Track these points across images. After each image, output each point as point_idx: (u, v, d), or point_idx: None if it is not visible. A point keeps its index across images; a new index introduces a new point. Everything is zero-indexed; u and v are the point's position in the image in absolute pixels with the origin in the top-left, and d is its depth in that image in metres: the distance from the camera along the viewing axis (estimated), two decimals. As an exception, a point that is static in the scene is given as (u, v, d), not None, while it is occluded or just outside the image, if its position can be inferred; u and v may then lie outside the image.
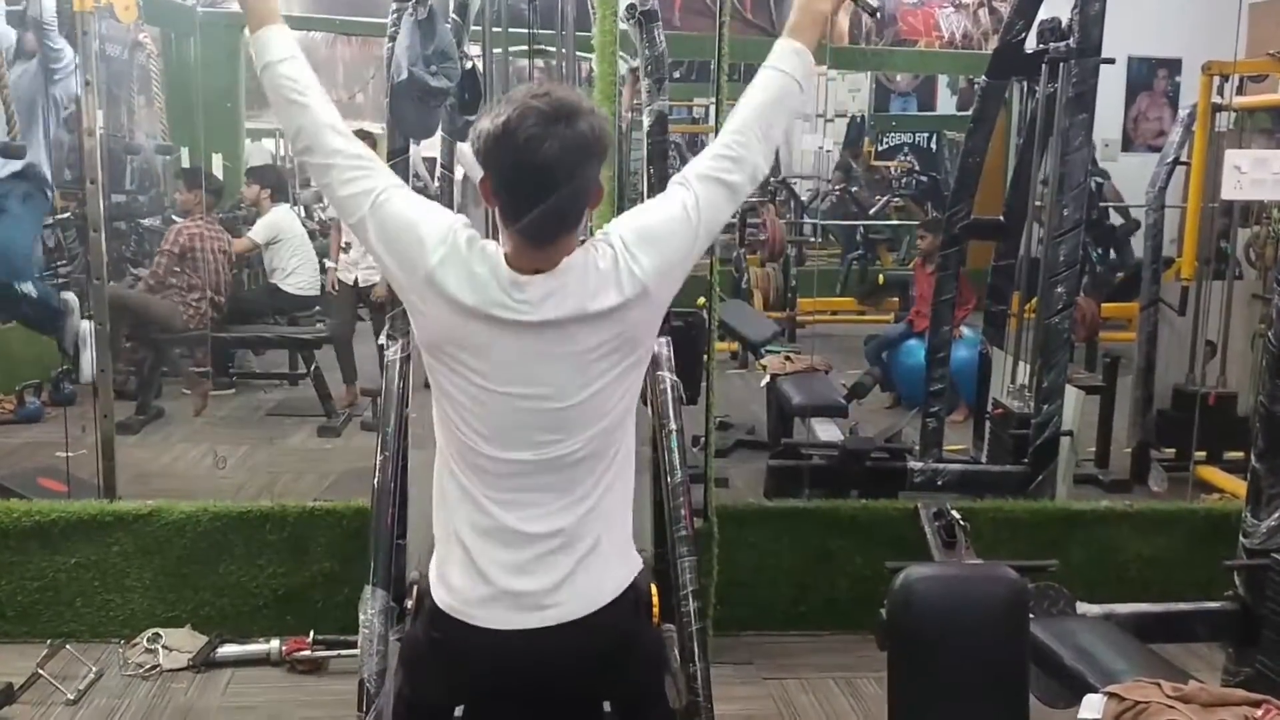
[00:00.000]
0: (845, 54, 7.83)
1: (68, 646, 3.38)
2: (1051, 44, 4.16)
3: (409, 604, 2.90)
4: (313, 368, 5.97)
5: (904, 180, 10.94)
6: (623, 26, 3.06)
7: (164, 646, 3.38)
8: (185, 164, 6.89)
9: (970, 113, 4.74)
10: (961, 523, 3.06)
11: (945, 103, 12.35)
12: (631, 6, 2.87)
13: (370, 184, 1.69)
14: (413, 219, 1.68)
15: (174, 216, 6.54)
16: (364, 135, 6.52)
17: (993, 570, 2.00)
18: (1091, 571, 3.57)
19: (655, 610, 1.98)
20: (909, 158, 11.70)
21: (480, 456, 1.71)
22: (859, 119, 11.74)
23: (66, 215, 6.25)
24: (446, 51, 2.58)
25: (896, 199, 9.91)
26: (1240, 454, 5.14)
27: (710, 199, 1.72)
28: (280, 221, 6.25)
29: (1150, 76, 10.33)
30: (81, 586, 3.48)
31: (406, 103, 2.57)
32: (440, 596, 1.78)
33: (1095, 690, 2.13)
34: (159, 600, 3.50)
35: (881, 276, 7.74)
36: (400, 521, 2.98)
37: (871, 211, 9.58)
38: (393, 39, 2.62)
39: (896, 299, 7.54)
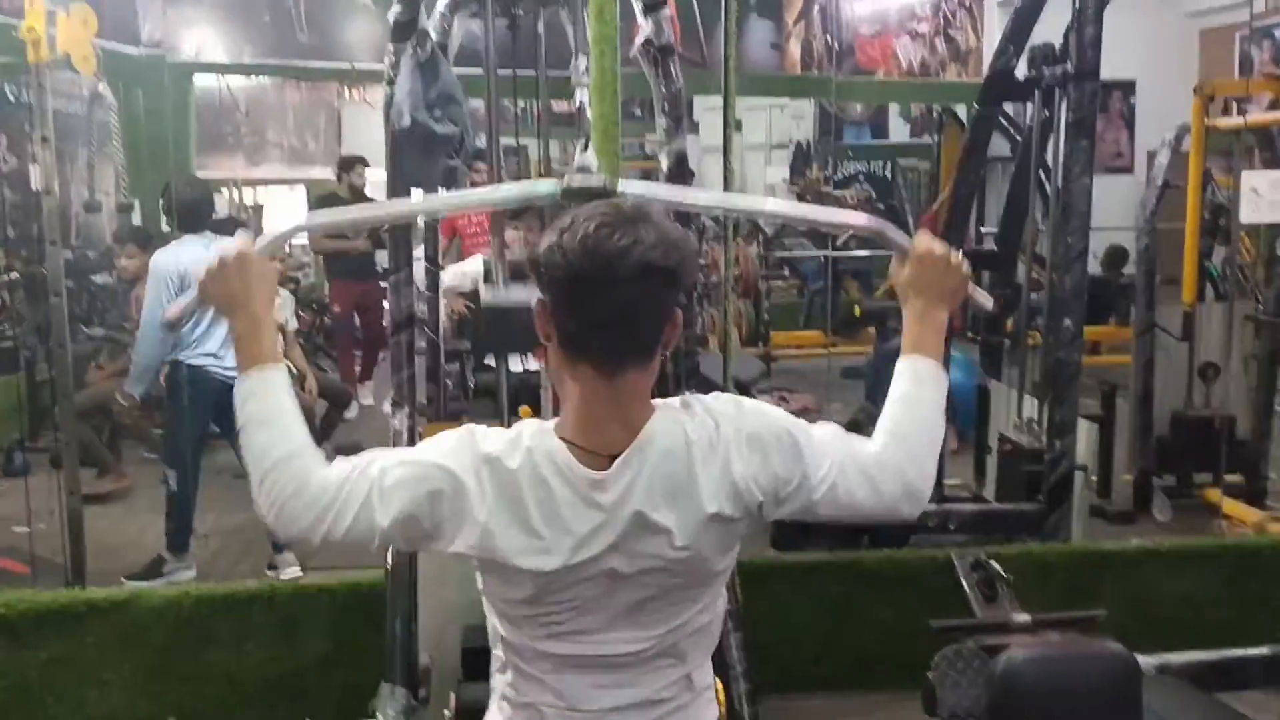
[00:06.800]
0: (812, 84, 7.70)
1: (40, 751, 3.11)
2: (1046, 69, 4.08)
3: (423, 693, 2.70)
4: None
5: (860, 209, 10.89)
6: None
7: (146, 745, 3.13)
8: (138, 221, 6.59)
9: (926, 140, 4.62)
10: (1004, 575, 2.89)
11: (898, 130, 12.41)
12: (648, 41, 2.70)
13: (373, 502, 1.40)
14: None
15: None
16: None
17: (1101, 648, 1.83)
18: (1125, 615, 3.43)
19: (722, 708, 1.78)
20: (865, 186, 11.66)
21: (541, 649, 1.47)
22: (804, 146, 11.71)
23: (13, 275, 5.95)
24: (451, 94, 2.39)
25: (862, 229, 9.79)
26: (1240, 477, 5.07)
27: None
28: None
29: (1105, 99, 10.40)
30: (53, 683, 3.19)
31: (410, 152, 2.37)
32: None
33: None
34: (140, 694, 3.22)
35: (858, 308, 7.60)
36: (411, 600, 2.77)
37: (837, 242, 9.47)
38: (391, 82, 2.43)
39: (874, 330, 7.40)
